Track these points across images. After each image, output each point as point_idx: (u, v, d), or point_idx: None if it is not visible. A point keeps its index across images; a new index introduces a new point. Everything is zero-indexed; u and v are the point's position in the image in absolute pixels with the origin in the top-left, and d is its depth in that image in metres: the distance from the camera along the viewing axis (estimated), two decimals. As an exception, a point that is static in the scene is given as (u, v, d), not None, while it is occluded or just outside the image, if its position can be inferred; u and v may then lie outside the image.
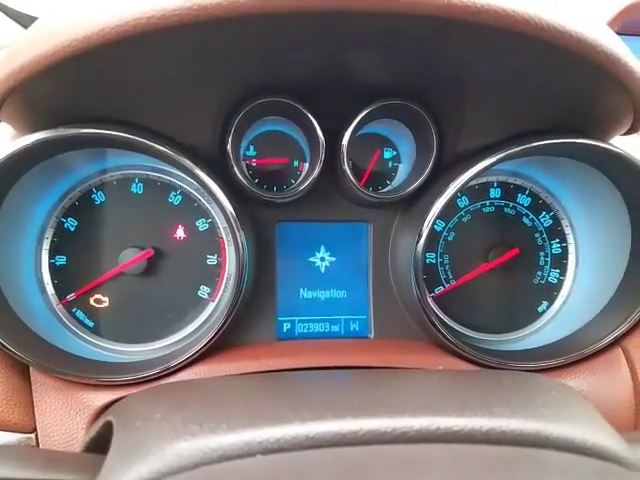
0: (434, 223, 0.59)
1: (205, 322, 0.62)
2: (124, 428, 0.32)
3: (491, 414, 0.30)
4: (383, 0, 0.36)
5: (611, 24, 0.85)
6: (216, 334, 0.55)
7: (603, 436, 0.31)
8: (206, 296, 0.63)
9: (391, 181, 0.65)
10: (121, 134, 0.48)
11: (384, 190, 0.64)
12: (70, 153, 0.54)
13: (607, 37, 0.44)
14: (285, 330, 0.65)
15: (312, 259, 0.66)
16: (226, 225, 0.60)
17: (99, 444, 0.38)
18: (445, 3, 0.37)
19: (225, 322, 0.56)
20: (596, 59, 0.43)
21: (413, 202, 0.61)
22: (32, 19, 1.02)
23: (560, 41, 0.41)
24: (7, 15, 0.98)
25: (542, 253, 0.67)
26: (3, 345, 0.49)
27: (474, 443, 0.28)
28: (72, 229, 0.59)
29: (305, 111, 0.54)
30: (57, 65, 0.40)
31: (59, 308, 0.59)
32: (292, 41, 0.45)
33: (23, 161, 0.49)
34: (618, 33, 0.91)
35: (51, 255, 0.59)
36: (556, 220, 0.67)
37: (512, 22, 0.38)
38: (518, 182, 0.66)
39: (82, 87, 0.45)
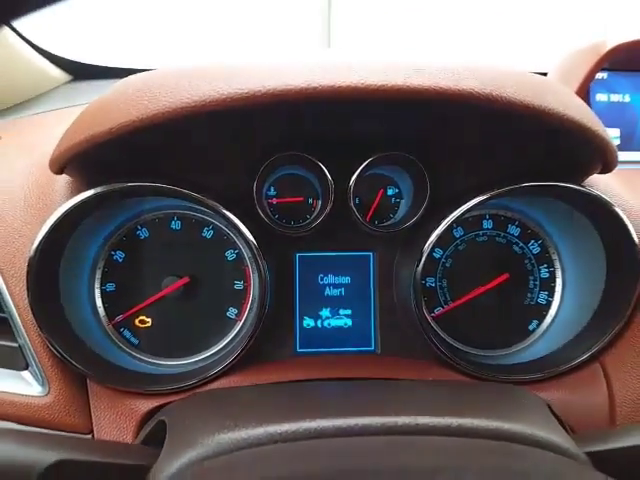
0: (432, 251, 0.68)
1: (234, 338, 0.71)
2: (176, 425, 0.41)
3: (462, 414, 0.38)
4: (390, 89, 0.47)
5: (599, 63, 0.91)
6: (243, 349, 0.64)
7: (550, 432, 0.38)
8: (234, 316, 0.72)
9: (394, 215, 0.74)
10: (166, 186, 0.59)
11: (387, 223, 0.73)
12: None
13: (574, 106, 0.53)
14: (300, 347, 0.73)
15: (326, 284, 0.75)
16: (251, 255, 0.70)
17: (152, 439, 0.47)
18: (436, 89, 0.47)
19: (251, 338, 0.65)
20: (570, 128, 0.53)
21: (413, 233, 0.70)
22: (75, 65, 1.14)
23: (534, 114, 0.50)
24: (51, 61, 1.09)
25: (532, 277, 0.74)
26: (66, 359, 0.59)
27: (448, 436, 0.36)
28: (120, 260, 0.70)
29: (317, 161, 0.64)
30: (122, 136, 0.50)
31: (109, 328, 0.69)
32: (315, 117, 0.55)
33: (85, 209, 0.60)
34: (608, 69, 0.98)
35: (102, 283, 0.69)
36: (544, 248, 0.74)
37: (484, 102, 0.48)
38: (508, 214, 0.74)
39: (138, 151, 0.56)
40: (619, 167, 0.91)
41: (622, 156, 0.96)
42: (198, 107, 0.47)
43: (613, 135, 0.95)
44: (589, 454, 0.40)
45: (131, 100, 0.49)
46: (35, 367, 0.59)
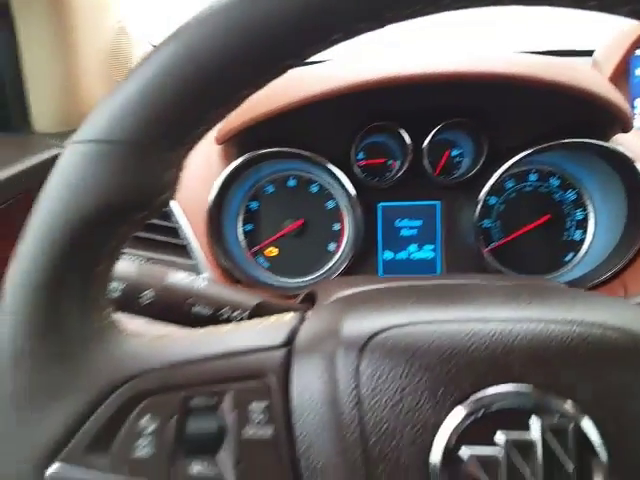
0: (488, 199, 0.89)
1: (333, 266, 0.96)
2: (321, 290, 0.64)
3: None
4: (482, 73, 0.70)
5: (637, 41, 1.05)
6: (340, 273, 0.89)
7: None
8: (333, 250, 0.97)
9: (458, 170, 0.95)
10: (294, 150, 0.84)
11: (452, 177, 0.94)
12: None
13: (592, 81, 0.72)
14: (383, 273, 0.97)
15: (402, 226, 0.98)
16: (347, 204, 0.94)
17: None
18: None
19: (346, 266, 0.90)
20: (588, 97, 0.73)
21: (472, 186, 0.90)
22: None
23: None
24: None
25: (569, 219, 0.94)
26: (228, 272, 0.86)
27: None
28: (255, 208, 0.96)
29: (400, 130, 0.86)
30: (285, 114, 0.75)
31: (248, 256, 0.96)
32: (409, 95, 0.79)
33: (236, 171, 0.86)
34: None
35: (243, 224, 0.96)
36: (579, 195, 0.93)
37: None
38: (550, 169, 0.93)
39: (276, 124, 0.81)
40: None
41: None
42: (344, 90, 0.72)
43: (653, 102, 1.09)
44: None
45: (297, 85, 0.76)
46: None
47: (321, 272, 0.97)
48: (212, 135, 0.86)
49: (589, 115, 0.78)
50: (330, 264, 0.97)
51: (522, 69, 0.70)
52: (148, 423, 0.32)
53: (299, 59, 0.30)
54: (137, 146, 0.30)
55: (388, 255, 0.98)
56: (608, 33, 1.12)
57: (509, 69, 0.70)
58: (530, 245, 0.94)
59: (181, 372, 0.33)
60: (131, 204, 0.32)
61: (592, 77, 0.74)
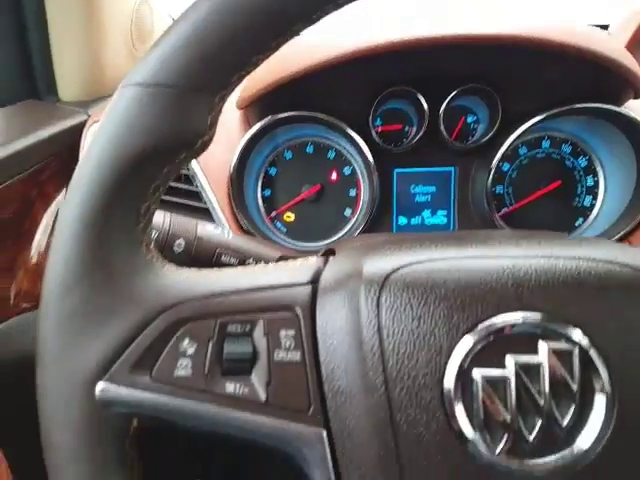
0: (501, 165, 0.91)
1: (349, 230, 0.99)
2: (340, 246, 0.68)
3: None
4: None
5: None
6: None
7: None
8: (349, 215, 1.00)
9: (473, 137, 0.97)
10: (313, 114, 0.86)
11: (468, 142, 0.96)
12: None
13: (608, 47, 0.73)
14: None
15: (417, 192, 1.00)
16: (363, 170, 0.96)
17: None
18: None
19: (361, 231, 0.93)
20: (601, 61, 0.74)
21: (486, 152, 0.92)
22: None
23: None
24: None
25: (579, 185, 0.95)
26: (249, 232, 0.89)
27: None
28: (273, 174, 0.99)
29: (418, 94, 0.88)
30: (302, 78, 0.78)
31: (267, 220, 1.00)
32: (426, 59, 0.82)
33: (256, 136, 0.89)
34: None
35: (262, 189, 0.99)
36: (590, 161, 0.95)
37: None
38: (562, 136, 0.95)
39: (299, 89, 0.83)
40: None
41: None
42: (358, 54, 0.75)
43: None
44: None
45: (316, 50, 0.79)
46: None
47: (337, 237, 1.00)
48: (233, 100, 0.89)
49: (602, 80, 0.80)
50: (346, 229, 1.00)
51: (536, 32, 0.71)
52: (187, 346, 0.36)
53: (328, 11, 0.33)
54: (182, 89, 0.34)
55: (402, 220, 1.01)
56: (624, 9, 1.11)
57: (524, 32, 0.71)
58: (541, 211, 0.96)
59: (217, 302, 0.37)
60: (176, 144, 0.35)
61: (606, 41, 0.75)
